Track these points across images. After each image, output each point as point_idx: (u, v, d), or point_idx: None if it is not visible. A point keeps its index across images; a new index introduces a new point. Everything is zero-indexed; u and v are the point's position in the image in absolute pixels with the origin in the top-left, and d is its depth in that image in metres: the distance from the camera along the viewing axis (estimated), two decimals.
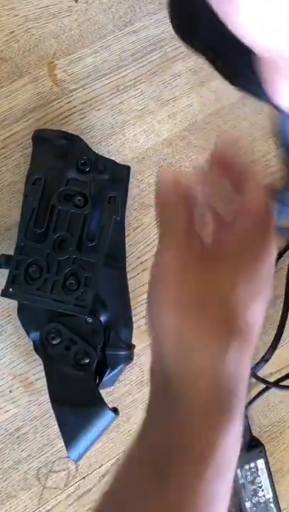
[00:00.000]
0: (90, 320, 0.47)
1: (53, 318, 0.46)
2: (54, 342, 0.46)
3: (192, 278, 0.25)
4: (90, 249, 0.47)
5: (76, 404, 0.44)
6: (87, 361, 0.46)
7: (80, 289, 0.46)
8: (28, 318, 0.48)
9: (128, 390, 0.54)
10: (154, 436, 0.25)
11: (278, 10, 0.20)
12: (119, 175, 0.52)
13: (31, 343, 0.49)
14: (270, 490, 0.53)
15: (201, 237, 0.28)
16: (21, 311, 0.48)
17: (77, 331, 0.46)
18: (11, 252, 0.47)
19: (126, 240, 0.53)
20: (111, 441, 0.54)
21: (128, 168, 0.54)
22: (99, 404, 0.44)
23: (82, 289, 0.46)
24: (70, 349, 0.46)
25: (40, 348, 0.47)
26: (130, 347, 0.48)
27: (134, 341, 0.51)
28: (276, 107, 0.26)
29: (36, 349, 0.48)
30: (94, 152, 0.52)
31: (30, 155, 0.52)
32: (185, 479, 0.23)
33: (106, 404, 0.44)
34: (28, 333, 0.48)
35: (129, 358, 0.48)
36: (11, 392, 0.52)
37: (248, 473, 0.53)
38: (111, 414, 0.44)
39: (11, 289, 0.45)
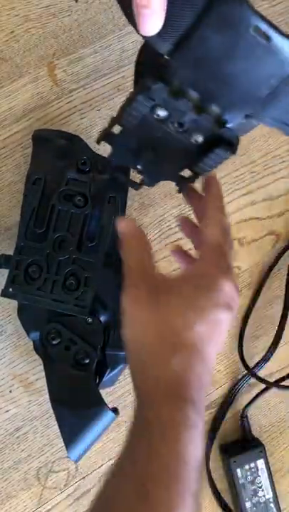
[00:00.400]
0: (90, 320, 0.47)
1: (52, 318, 0.46)
2: (54, 342, 0.46)
3: (146, 303, 0.31)
4: (89, 249, 0.47)
5: (76, 404, 0.44)
6: (87, 361, 0.46)
7: (79, 289, 0.46)
8: (28, 318, 0.48)
9: (128, 390, 0.54)
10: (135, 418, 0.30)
11: None
12: (119, 175, 0.52)
13: (31, 343, 0.49)
14: (270, 490, 0.53)
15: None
16: (21, 311, 0.48)
17: (77, 331, 0.46)
18: (11, 252, 0.47)
19: None
20: (111, 441, 0.54)
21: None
22: (99, 404, 0.44)
23: (82, 289, 0.46)
24: (70, 349, 0.46)
25: (40, 348, 0.47)
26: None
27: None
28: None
29: (36, 349, 0.48)
30: (94, 152, 0.52)
31: (30, 155, 0.52)
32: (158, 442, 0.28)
33: (106, 404, 0.44)
34: (28, 333, 0.48)
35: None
36: (11, 392, 0.52)
37: (248, 473, 0.53)
38: (111, 414, 0.44)
39: (10, 289, 0.45)
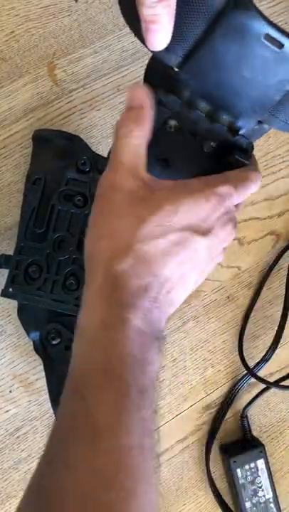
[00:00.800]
0: None
1: (52, 318, 0.46)
2: (54, 342, 0.46)
3: (120, 202, 0.31)
4: None
5: None
6: None
7: (80, 289, 0.46)
8: (28, 318, 0.48)
9: None
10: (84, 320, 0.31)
11: None
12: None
13: (31, 343, 0.49)
14: (270, 490, 0.53)
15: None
16: (21, 311, 0.48)
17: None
18: (11, 252, 0.47)
19: None
20: None
21: None
22: None
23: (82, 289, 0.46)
24: (70, 349, 0.46)
25: (40, 348, 0.47)
26: None
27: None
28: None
29: (36, 349, 0.48)
30: (94, 152, 0.52)
31: (30, 155, 0.52)
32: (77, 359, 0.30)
33: None
34: (28, 333, 0.48)
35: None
36: (11, 392, 0.52)
37: (248, 473, 0.53)
38: None
39: (10, 289, 0.45)
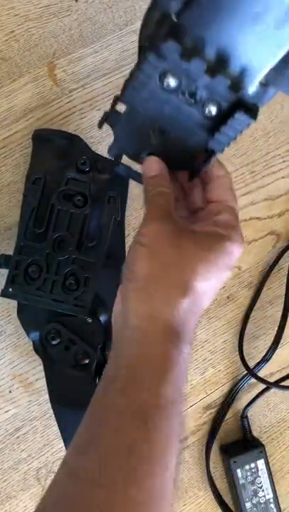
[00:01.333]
0: (89, 320, 0.47)
1: (52, 318, 0.46)
2: (54, 342, 0.46)
3: (168, 244, 0.31)
4: (89, 249, 0.47)
5: (76, 404, 0.44)
6: (87, 361, 0.45)
7: (79, 289, 0.46)
8: (28, 318, 0.47)
9: None
10: (118, 360, 0.31)
11: None
12: (119, 175, 0.52)
13: (31, 343, 0.49)
14: (270, 490, 0.53)
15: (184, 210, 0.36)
16: (21, 311, 0.48)
17: (77, 331, 0.46)
18: (11, 252, 0.47)
19: (126, 239, 0.53)
20: None
21: (128, 168, 0.53)
22: None
23: (81, 289, 0.46)
24: (70, 349, 0.46)
25: (40, 348, 0.47)
26: None
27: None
28: None
29: (36, 349, 0.48)
30: (94, 152, 0.51)
31: (30, 155, 0.52)
32: (146, 388, 0.29)
33: None
34: (28, 333, 0.48)
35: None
36: (10, 392, 0.52)
37: (249, 473, 0.53)
38: None
39: (10, 289, 0.45)
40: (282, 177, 0.60)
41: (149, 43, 0.30)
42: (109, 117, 0.33)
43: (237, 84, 0.29)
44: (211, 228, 0.33)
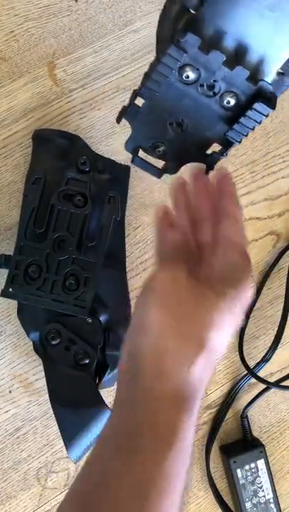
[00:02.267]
0: (89, 320, 0.47)
1: (52, 318, 0.46)
2: (54, 342, 0.46)
3: (182, 292, 0.29)
4: (89, 249, 0.47)
5: (76, 404, 0.44)
6: (87, 361, 0.45)
7: (79, 289, 0.46)
8: (28, 318, 0.47)
9: None
10: (123, 423, 0.28)
11: None
12: (119, 175, 0.52)
13: (31, 343, 0.49)
14: (270, 490, 0.53)
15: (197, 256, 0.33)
16: (21, 311, 0.48)
17: (77, 331, 0.46)
18: (11, 252, 0.47)
19: (126, 239, 0.53)
20: None
21: (128, 167, 0.54)
22: (99, 404, 0.44)
23: (81, 289, 0.46)
24: (70, 349, 0.46)
25: (40, 348, 0.47)
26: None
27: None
28: None
29: (36, 349, 0.48)
30: (94, 152, 0.51)
31: (31, 154, 0.52)
32: (150, 458, 0.26)
33: (106, 404, 0.44)
34: (28, 333, 0.48)
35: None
36: (10, 392, 0.52)
37: (249, 473, 0.53)
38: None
39: (10, 289, 0.45)
40: (282, 177, 0.60)
41: (168, 36, 0.30)
42: (128, 112, 0.33)
43: (255, 75, 0.29)
44: (224, 272, 0.31)
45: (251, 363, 0.56)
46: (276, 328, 0.56)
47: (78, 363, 0.46)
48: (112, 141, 0.56)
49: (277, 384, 0.54)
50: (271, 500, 0.53)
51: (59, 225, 0.47)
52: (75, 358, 0.46)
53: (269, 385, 0.55)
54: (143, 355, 0.28)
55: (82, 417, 0.44)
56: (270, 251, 0.59)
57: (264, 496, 0.53)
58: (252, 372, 0.55)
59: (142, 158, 0.36)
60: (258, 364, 0.56)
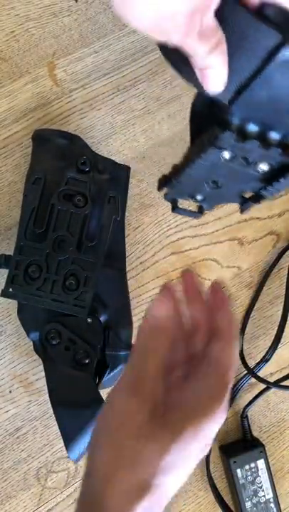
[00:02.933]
0: (89, 320, 0.47)
1: (52, 318, 0.46)
2: (54, 342, 0.46)
3: (133, 431, 0.27)
4: (89, 249, 0.47)
5: (76, 404, 0.44)
6: (87, 361, 0.46)
7: (79, 289, 0.46)
8: (28, 318, 0.47)
9: None
10: None
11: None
12: (119, 175, 0.52)
13: (31, 343, 0.49)
14: (270, 490, 0.53)
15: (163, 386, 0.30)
16: (21, 311, 0.48)
17: (77, 331, 0.46)
18: (11, 252, 0.47)
19: (126, 239, 0.53)
20: None
21: (128, 168, 0.54)
22: (99, 404, 0.44)
23: (81, 289, 0.46)
24: (70, 349, 0.46)
25: (40, 348, 0.47)
26: (130, 347, 0.48)
27: (133, 341, 0.51)
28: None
29: (36, 349, 0.48)
30: (94, 152, 0.52)
31: (31, 154, 0.52)
32: None
33: None
34: (28, 333, 0.48)
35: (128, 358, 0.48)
36: (10, 392, 0.52)
37: (248, 473, 0.53)
38: None
39: (10, 289, 0.45)
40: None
41: (203, 129, 0.32)
42: (167, 182, 0.35)
43: (286, 148, 0.31)
44: (197, 397, 0.29)
45: (251, 363, 0.56)
46: (276, 328, 0.56)
47: (78, 363, 0.46)
48: (112, 141, 0.56)
49: (277, 384, 0.54)
50: (271, 500, 0.53)
51: (59, 225, 0.47)
52: (75, 358, 0.46)
53: (269, 385, 0.55)
54: (90, 499, 0.27)
55: (82, 417, 0.44)
56: (270, 251, 0.59)
57: (264, 496, 0.53)
58: (252, 372, 0.55)
59: (182, 209, 0.38)
60: (257, 364, 0.56)
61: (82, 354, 0.46)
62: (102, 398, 0.45)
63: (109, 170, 0.51)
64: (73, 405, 0.44)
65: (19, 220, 0.49)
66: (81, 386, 0.45)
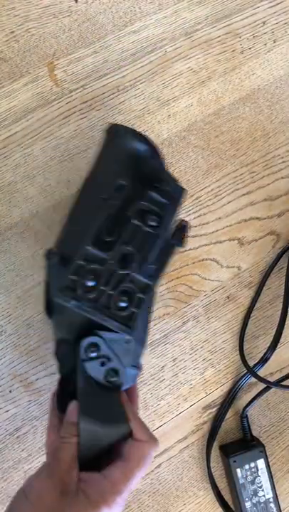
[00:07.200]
0: (128, 339, 0.45)
1: (86, 326, 0.43)
2: (92, 355, 0.42)
3: (49, 498, 0.33)
4: (148, 271, 0.44)
5: (103, 418, 0.42)
6: (114, 379, 0.44)
7: (129, 309, 0.43)
8: (62, 321, 0.44)
9: None
10: None
11: None
12: (175, 195, 0.48)
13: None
14: (270, 490, 0.53)
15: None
16: (58, 313, 0.44)
17: (112, 348, 0.43)
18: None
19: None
20: None
21: (185, 190, 0.49)
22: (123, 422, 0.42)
23: (132, 309, 0.43)
24: (104, 365, 0.44)
25: (70, 354, 0.43)
26: (139, 368, 0.47)
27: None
28: None
29: (56, 352, 0.45)
30: (168, 172, 0.48)
31: (101, 150, 0.48)
32: None
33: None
34: (57, 335, 0.44)
35: (136, 378, 0.46)
36: (10, 392, 0.52)
37: (248, 473, 0.53)
38: None
39: (63, 293, 0.41)
40: (282, 177, 0.60)
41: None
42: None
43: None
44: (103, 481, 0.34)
45: (251, 363, 0.56)
46: (276, 328, 0.57)
47: (107, 379, 0.44)
48: None
49: (277, 383, 0.54)
50: (271, 500, 0.53)
51: (128, 239, 0.43)
52: (105, 374, 0.44)
53: (269, 385, 0.55)
54: None
55: (102, 433, 0.42)
56: (270, 251, 0.59)
57: (264, 496, 0.53)
58: (252, 372, 0.55)
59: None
60: (257, 364, 0.56)
61: (112, 371, 0.43)
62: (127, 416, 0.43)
63: (172, 188, 0.47)
64: (100, 419, 0.42)
65: (64, 222, 0.46)
66: (106, 401, 0.43)
